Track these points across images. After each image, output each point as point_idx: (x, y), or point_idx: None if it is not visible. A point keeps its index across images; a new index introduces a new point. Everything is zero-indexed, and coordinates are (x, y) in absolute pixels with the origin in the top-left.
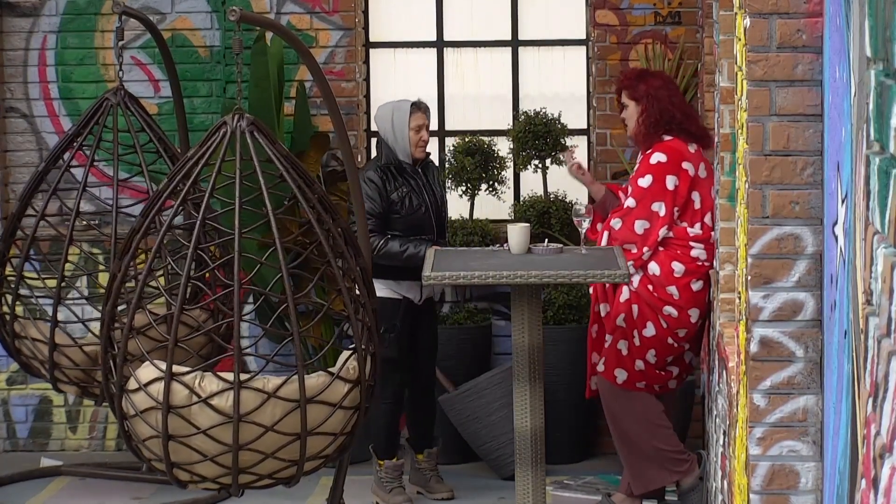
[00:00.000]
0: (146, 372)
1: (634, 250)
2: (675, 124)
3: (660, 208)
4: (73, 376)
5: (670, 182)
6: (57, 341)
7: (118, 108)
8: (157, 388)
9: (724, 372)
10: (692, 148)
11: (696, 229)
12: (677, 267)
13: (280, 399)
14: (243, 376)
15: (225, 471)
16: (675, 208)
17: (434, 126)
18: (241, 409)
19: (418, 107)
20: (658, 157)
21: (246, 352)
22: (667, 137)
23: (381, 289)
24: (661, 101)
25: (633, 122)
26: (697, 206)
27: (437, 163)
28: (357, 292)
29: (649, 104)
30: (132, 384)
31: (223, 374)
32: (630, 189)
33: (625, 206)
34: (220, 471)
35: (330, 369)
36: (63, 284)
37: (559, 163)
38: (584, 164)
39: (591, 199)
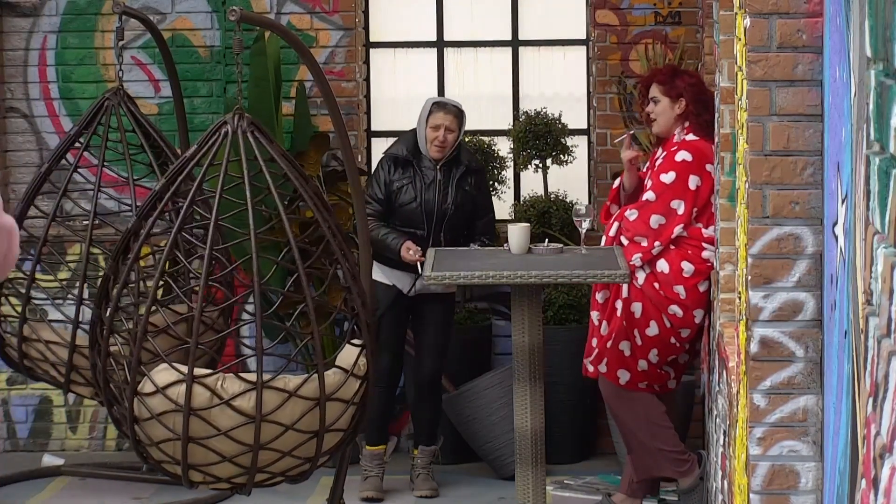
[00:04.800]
0: (164, 375)
1: (645, 243)
2: (702, 128)
3: (679, 206)
4: (91, 377)
5: (693, 182)
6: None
7: (119, 108)
8: (177, 391)
9: (724, 372)
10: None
11: (710, 231)
12: (687, 267)
13: (300, 398)
14: (265, 376)
15: (240, 471)
16: (695, 209)
17: None
18: (262, 409)
19: (441, 106)
20: (683, 156)
21: (268, 351)
22: (691, 137)
23: (375, 272)
24: (699, 103)
25: (663, 118)
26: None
27: (483, 168)
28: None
29: (687, 101)
30: (146, 387)
31: (245, 375)
32: (650, 183)
33: (643, 199)
34: (235, 471)
35: (340, 365)
36: (66, 284)
37: (560, 163)
38: (638, 156)
39: (622, 187)
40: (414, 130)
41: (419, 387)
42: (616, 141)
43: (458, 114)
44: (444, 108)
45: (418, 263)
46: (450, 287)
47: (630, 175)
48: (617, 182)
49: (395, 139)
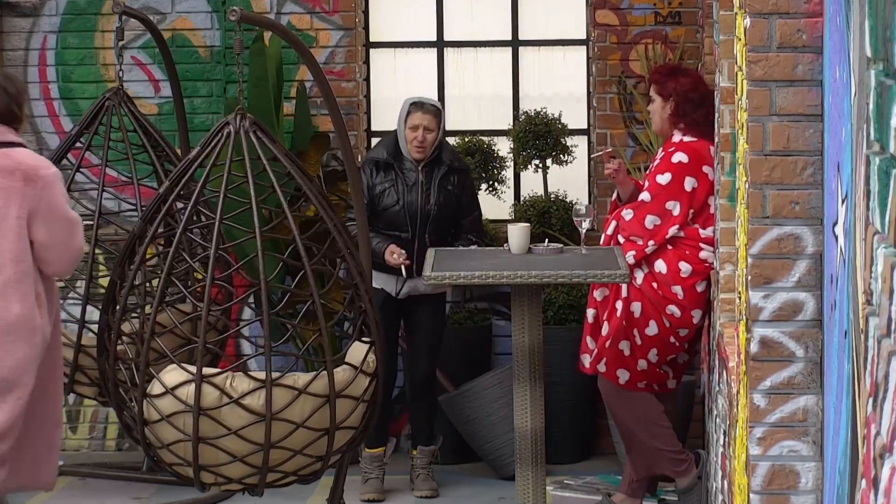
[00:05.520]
0: (173, 376)
1: (640, 242)
2: (695, 127)
3: (674, 207)
4: (95, 377)
5: (688, 183)
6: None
7: (122, 108)
8: (186, 391)
9: (724, 372)
10: (714, 152)
11: (707, 231)
12: (684, 267)
13: (310, 395)
14: (274, 374)
15: (252, 471)
16: (691, 210)
17: None
18: (272, 407)
19: (419, 106)
20: (680, 157)
21: (276, 349)
22: (688, 138)
23: None
24: (688, 103)
25: (657, 117)
26: (713, 210)
27: (467, 167)
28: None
29: (676, 103)
30: (155, 389)
31: (253, 373)
32: (647, 183)
33: (639, 199)
34: (247, 471)
35: (350, 362)
36: (67, 284)
37: (560, 163)
38: (620, 165)
39: (618, 197)
40: (394, 133)
41: (413, 388)
42: (593, 156)
43: (437, 113)
44: (422, 108)
45: (402, 267)
46: (439, 287)
47: (621, 187)
48: (615, 195)
49: None
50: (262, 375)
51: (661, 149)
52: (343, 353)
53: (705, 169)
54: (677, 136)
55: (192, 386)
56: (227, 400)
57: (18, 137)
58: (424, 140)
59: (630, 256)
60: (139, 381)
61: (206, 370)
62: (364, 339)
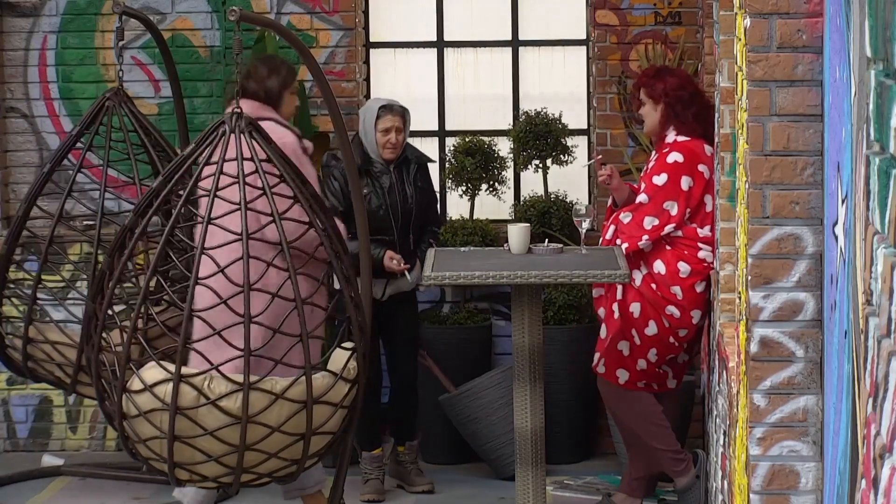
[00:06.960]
0: (152, 373)
1: (640, 243)
2: (687, 125)
3: (671, 207)
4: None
5: (685, 182)
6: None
7: (122, 108)
8: (164, 390)
9: (724, 372)
10: (708, 150)
11: (705, 231)
12: (683, 267)
13: (287, 400)
14: (252, 378)
15: (227, 470)
16: (688, 209)
17: (434, 126)
18: (249, 410)
19: (388, 109)
20: (675, 157)
21: (256, 353)
22: (682, 138)
23: None
24: (679, 103)
25: (649, 119)
26: (709, 208)
27: (430, 160)
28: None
29: (666, 103)
30: (135, 385)
31: (232, 376)
32: (643, 185)
33: (637, 202)
34: (222, 470)
35: (330, 369)
36: (70, 284)
37: (560, 163)
38: (613, 171)
39: (614, 203)
40: (357, 138)
41: (398, 390)
42: (583, 166)
43: (404, 112)
44: (391, 111)
45: (406, 272)
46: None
47: (617, 192)
48: (610, 201)
49: None
50: (240, 378)
51: (654, 150)
52: (325, 358)
53: (700, 167)
54: (670, 137)
55: (171, 384)
56: (204, 401)
57: (273, 114)
58: (397, 141)
59: (623, 247)
60: (119, 376)
61: (185, 370)
62: (344, 345)
